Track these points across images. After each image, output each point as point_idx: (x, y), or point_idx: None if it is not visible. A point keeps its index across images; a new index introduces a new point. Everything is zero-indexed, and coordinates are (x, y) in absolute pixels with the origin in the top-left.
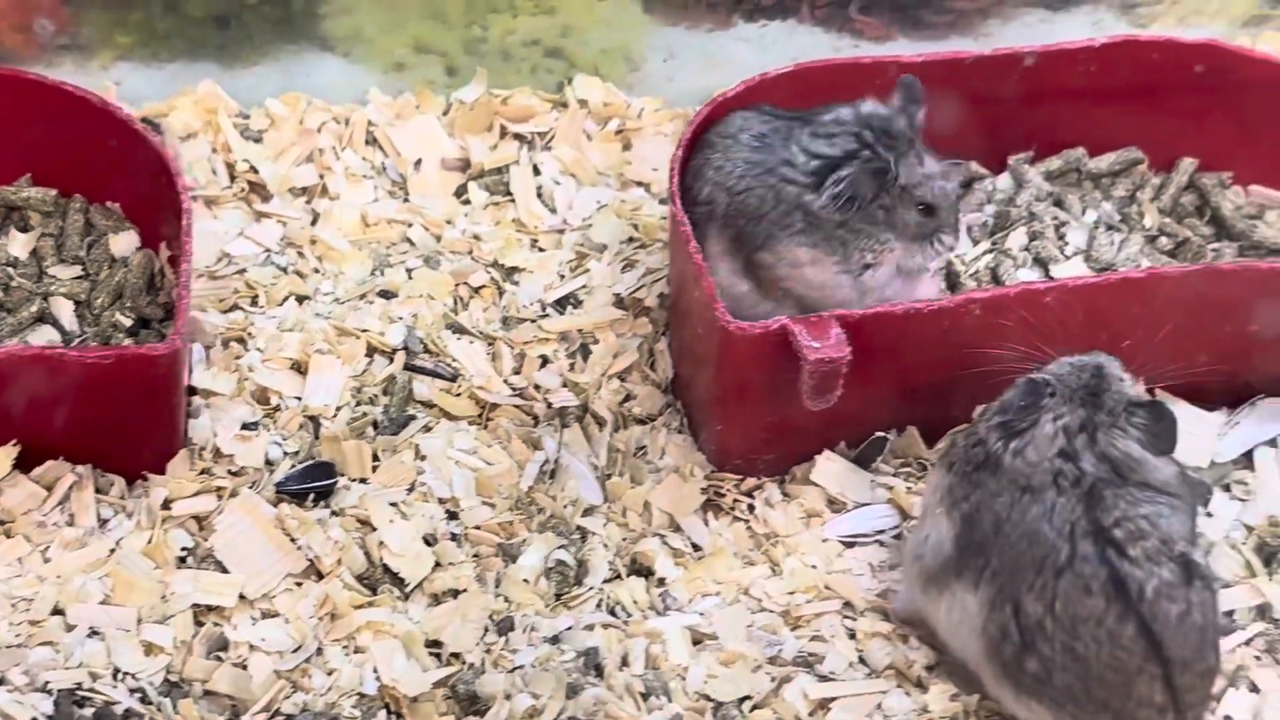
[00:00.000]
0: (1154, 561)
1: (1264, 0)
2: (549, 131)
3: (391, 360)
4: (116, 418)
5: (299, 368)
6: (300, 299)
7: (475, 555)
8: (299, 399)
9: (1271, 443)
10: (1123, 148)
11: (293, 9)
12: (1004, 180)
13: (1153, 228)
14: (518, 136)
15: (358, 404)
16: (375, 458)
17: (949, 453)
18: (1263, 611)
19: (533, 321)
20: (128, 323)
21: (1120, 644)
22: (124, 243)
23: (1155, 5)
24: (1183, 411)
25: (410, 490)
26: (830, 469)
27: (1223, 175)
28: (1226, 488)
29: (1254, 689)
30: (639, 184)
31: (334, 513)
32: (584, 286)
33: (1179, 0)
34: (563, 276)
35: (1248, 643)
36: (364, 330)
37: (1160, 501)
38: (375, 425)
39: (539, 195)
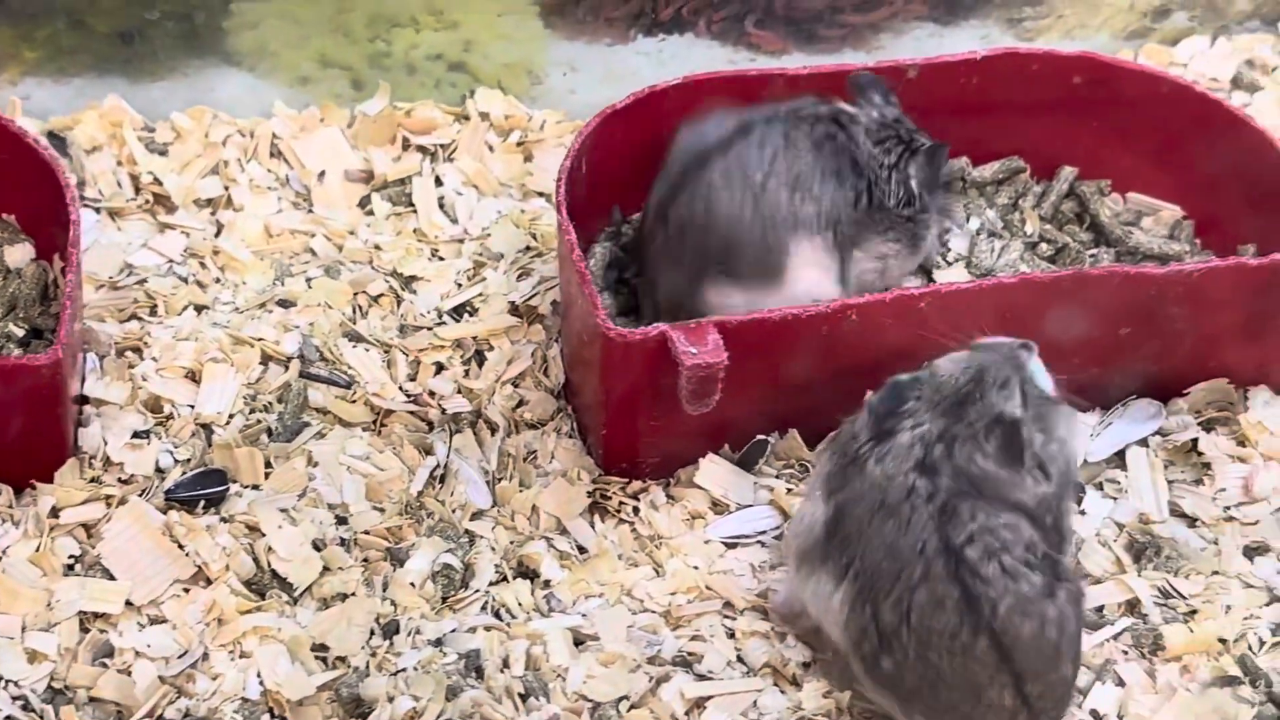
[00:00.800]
0: (1011, 576)
1: (1146, 15)
2: (451, 143)
3: (287, 368)
4: (1, 427)
5: (193, 376)
6: (199, 309)
7: (364, 560)
8: (192, 407)
9: (1142, 443)
10: (1006, 156)
11: (198, 24)
12: None
13: (1033, 234)
14: (420, 148)
15: (251, 411)
16: (268, 464)
17: (835, 437)
18: (1131, 607)
19: (429, 329)
20: (20, 333)
21: (973, 657)
22: (18, 254)
23: (1042, 20)
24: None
25: (301, 496)
26: (714, 472)
27: (1101, 183)
28: (1099, 486)
29: (1120, 683)
30: (540, 194)
31: (224, 519)
32: (480, 295)
33: (1065, 15)
34: (460, 285)
35: (1115, 638)
36: (259, 339)
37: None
38: (269, 433)
39: (440, 206)
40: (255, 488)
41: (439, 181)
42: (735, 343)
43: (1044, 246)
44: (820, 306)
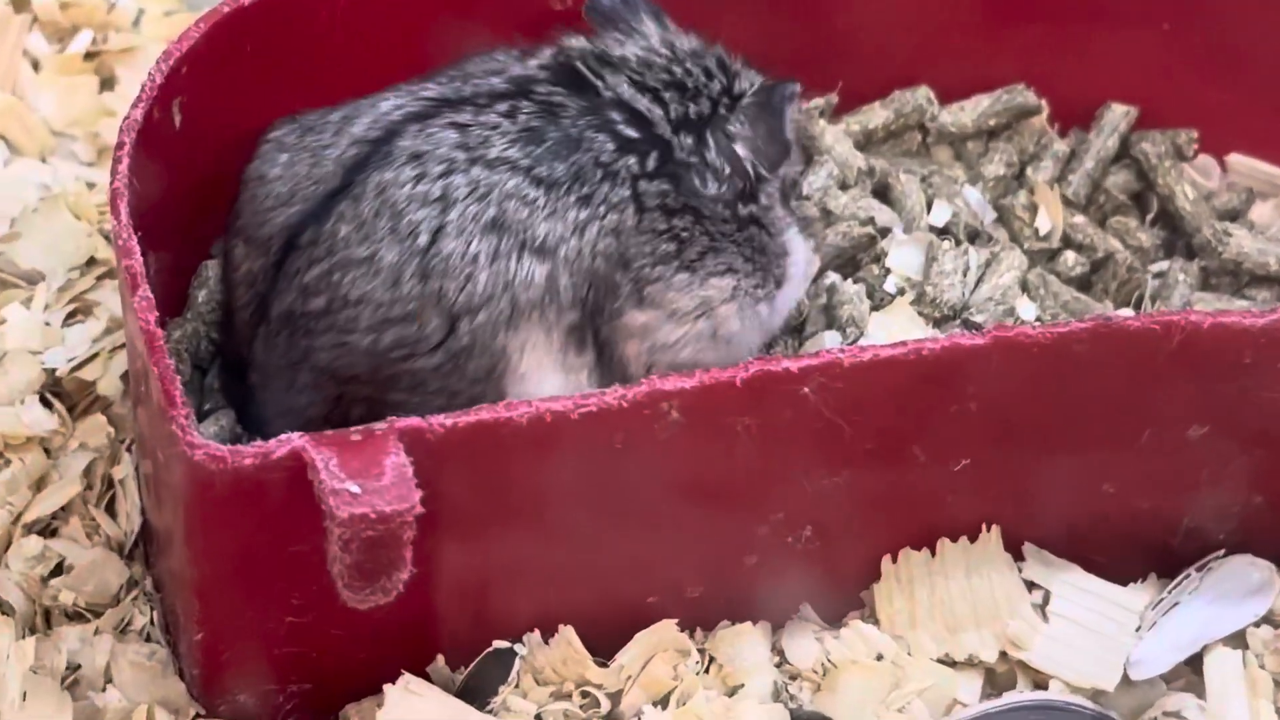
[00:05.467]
0: None
1: None
2: None
3: None
4: None
5: None
6: None
7: None
8: None
9: (1235, 639)
10: (1003, 86)
11: None
12: None
13: (1051, 234)
14: None
15: None
16: None
17: None
18: None
19: None
20: None
21: None
22: None
23: None
24: (1071, 583)
25: None
26: (414, 709)
27: (1180, 135)
28: None
29: None
30: None
31: None
32: None
33: None
34: None
35: None
36: None
37: None
38: None
39: None
40: None
41: None
42: (444, 467)
43: (1069, 258)
44: (610, 400)
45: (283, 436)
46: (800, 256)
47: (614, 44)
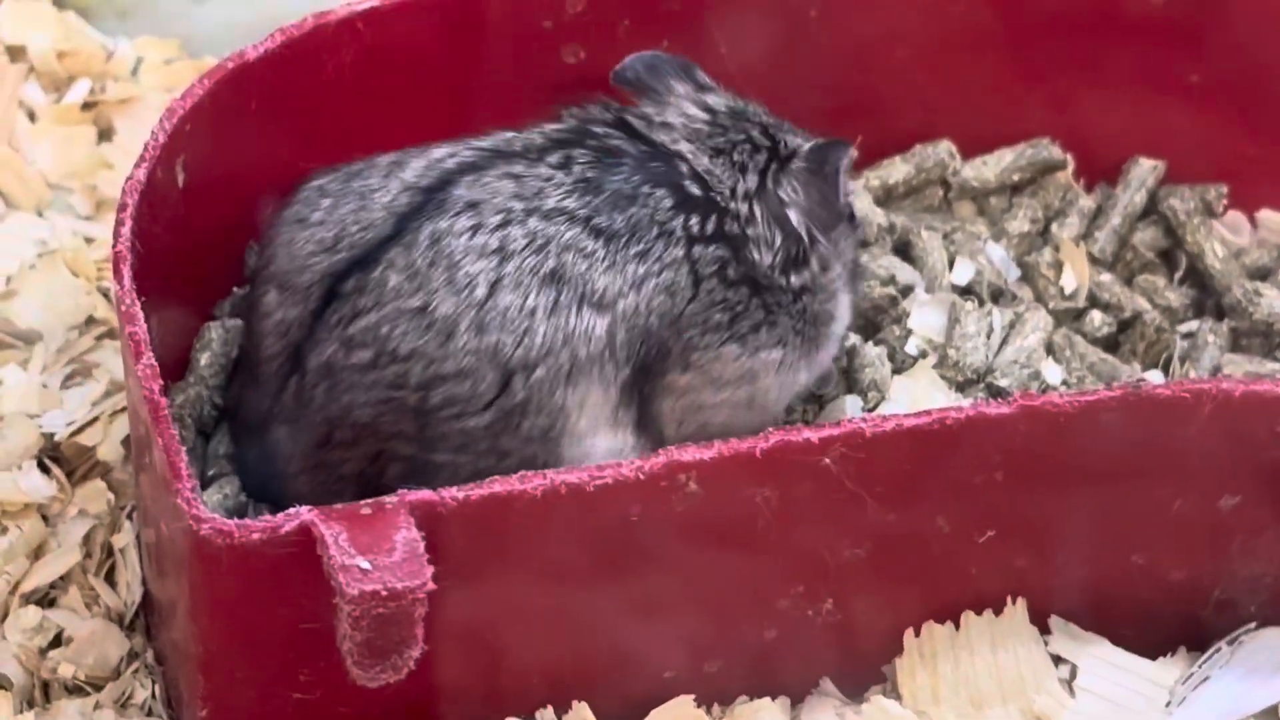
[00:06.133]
0: None
1: None
2: None
3: None
4: None
5: None
6: None
7: None
8: None
9: (1270, 716)
10: (1026, 140)
11: None
12: None
13: (1077, 293)
14: None
15: None
16: None
17: None
18: None
19: None
20: None
21: None
22: None
23: None
24: (1099, 657)
25: None
26: None
27: (1210, 190)
28: None
29: None
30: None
31: None
32: None
33: None
34: None
35: None
36: None
37: None
38: None
39: None
40: None
41: None
42: (456, 542)
43: (1096, 318)
44: (627, 471)
45: (291, 511)
46: (843, 319)
47: (653, 110)
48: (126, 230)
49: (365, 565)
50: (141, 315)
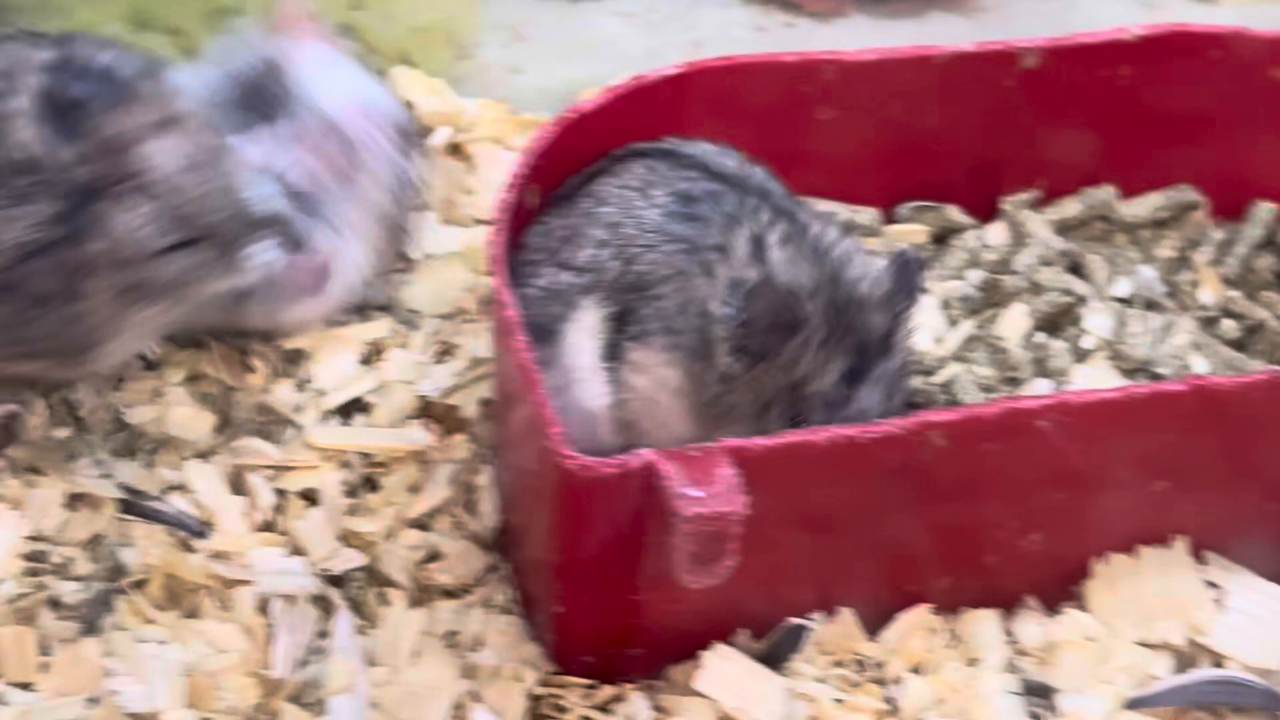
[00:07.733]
0: None
1: None
2: None
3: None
4: None
5: None
6: None
7: None
8: None
9: None
10: (1171, 185)
11: None
12: (996, 232)
13: (1213, 306)
14: None
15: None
16: (44, 652)
17: None
18: None
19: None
20: None
21: None
22: None
23: None
24: (1246, 584)
25: (94, 703)
26: (724, 671)
27: None
28: None
29: None
30: (479, 222)
31: None
32: (379, 385)
33: None
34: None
35: None
36: None
37: None
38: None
39: None
40: (26, 688)
41: None
42: (760, 479)
43: (1228, 325)
44: (890, 427)
45: (638, 451)
46: None
47: None
48: (501, 238)
49: (696, 494)
50: (514, 300)
